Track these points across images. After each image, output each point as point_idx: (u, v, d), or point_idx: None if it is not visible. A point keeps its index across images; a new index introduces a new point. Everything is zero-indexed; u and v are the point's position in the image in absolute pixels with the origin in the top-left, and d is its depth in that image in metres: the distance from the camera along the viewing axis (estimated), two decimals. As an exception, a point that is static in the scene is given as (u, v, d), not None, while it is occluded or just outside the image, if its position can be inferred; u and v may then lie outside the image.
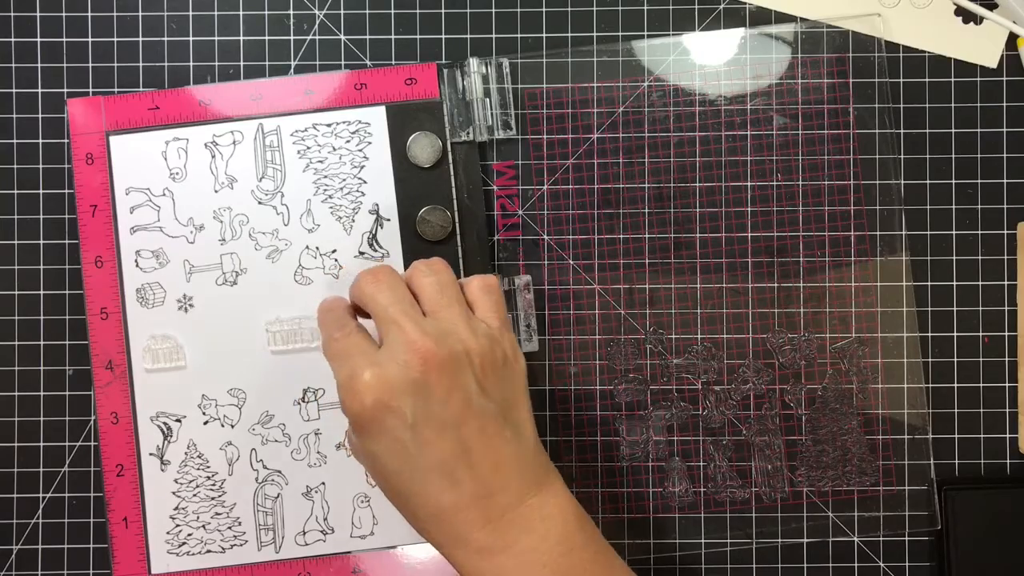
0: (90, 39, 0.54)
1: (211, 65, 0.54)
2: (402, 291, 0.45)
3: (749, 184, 0.53)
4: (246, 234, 0.53)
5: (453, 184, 0.53)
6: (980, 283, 0.54)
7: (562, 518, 0.44)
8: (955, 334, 0.54)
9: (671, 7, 0.54)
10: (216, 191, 0.53)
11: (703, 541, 0.54)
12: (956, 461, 0.54)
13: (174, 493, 0.53)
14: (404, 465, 0.43)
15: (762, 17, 0.54)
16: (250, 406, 0.53)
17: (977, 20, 0.54)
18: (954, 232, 0.54)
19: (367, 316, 0.46)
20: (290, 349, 0.53)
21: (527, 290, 0.53)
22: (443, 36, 0.54)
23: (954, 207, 0.54)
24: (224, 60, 0.54)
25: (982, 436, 0.54)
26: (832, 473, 0.53)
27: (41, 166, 0.54)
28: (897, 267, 0.53)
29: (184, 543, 0.53)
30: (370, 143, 0.53)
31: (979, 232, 0.54)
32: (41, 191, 0.54)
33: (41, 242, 0.54)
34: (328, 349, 0.45)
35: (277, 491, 0.53)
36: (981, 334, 0.54)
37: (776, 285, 0.53)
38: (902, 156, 0.54)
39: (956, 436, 0.54)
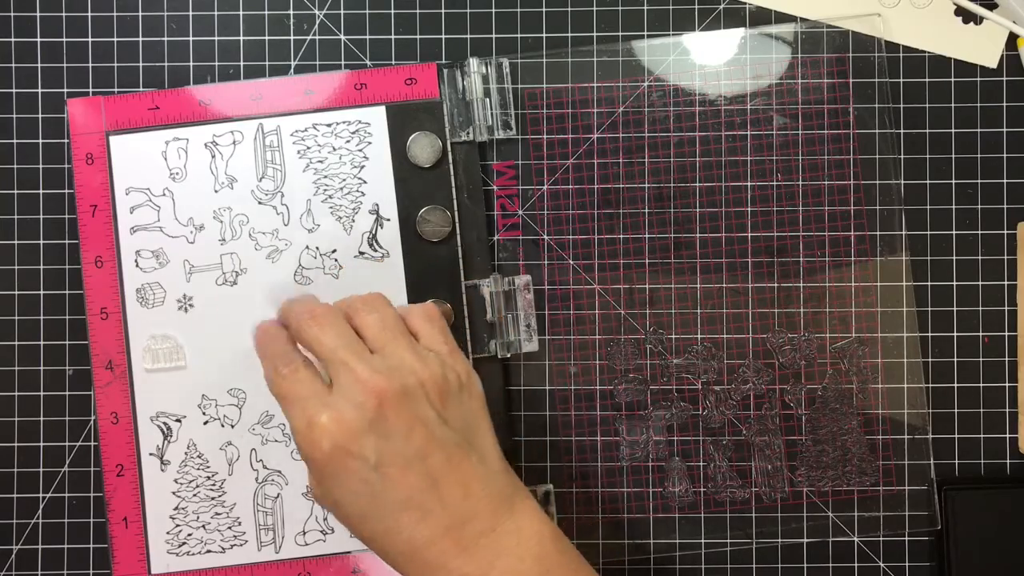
0: (90, 39, 0.54)
1: (211, 65, 0.54)
2: (345, 329, 0.45)
3: (749, 184, 0.53)
4: (246, 234, 0.53)
5: (453, 184, 0.53)
6: (980, 283, 0.54)
7: (537, 539, 0.43)
8: (955, 334, 0.54)
9: (671, 7, 0.54)
10: (216, 191, 0.53)
11: (703, 541, 0.54)
12: (956, 461, 0.54)
13: (174, 493, 0.53)
14: (371, 507, 0.42)
15: (762, 17, 0.54)
16: (250, 406, 0.53)
17: (977, 20, 0.54)
18: (954, 232, 0.54)
19: None
20: None
21: (527, 290, 0.53)
22: (443, 36, 0.54)
23: (954, 207, 0.54)
24: (224, 60, 0.54)
25: (982, 436, 0.54)
26: (832, 473, 0.53)
27: (41, 166, 0.54)
28: (897, 267, 0.53)
29: (184, 543, 0.53)
30: (370, 143, 0.53)
31: (979, 232, 0.54)
32: (41, 191, 0.54)
33: (41, 242, 0.54)
34: (275, 386, 0.45)
35: (277, 491, 0.53)
36: (981, 334, 0.54)
37: (776, 285, 0.53)
38: (902, 156, 0.54)
39: (956, 436, 0.54)
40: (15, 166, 0.54)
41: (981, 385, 0.54)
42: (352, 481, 0.42)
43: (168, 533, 0.53)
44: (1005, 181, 0.54)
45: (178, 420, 0.53)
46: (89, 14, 0.54)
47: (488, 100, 0.53)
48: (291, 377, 0.44)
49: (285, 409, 0.44)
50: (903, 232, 0.53)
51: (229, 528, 0.53)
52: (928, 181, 0.54)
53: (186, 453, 0.53)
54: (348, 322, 0.45)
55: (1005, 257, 0.54)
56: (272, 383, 0.45)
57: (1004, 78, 0.54)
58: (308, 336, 0.45)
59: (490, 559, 0.42)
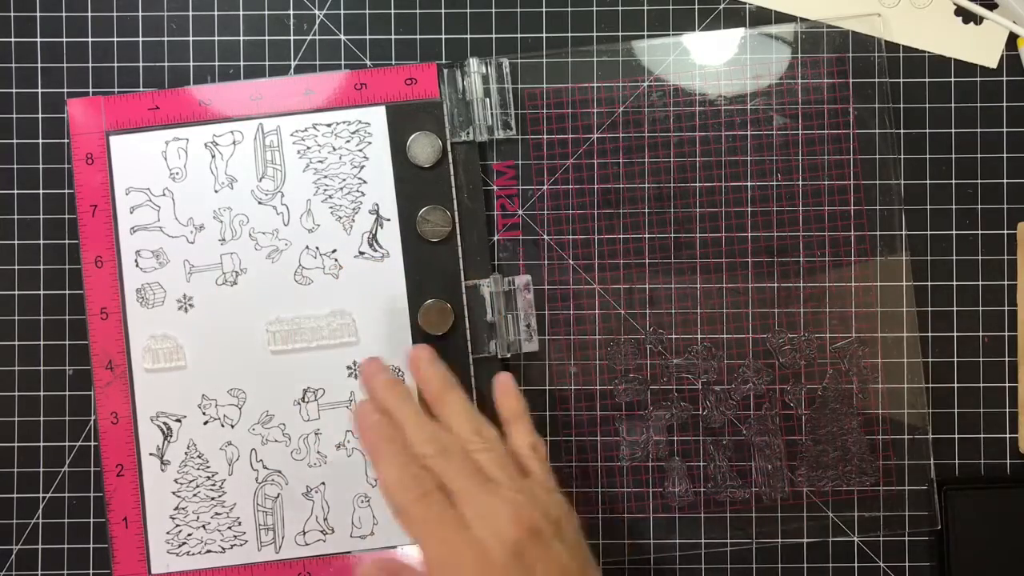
0: (90, 39, 0.54)
1: (211, 65, 0.54)
2: (470, 465, 0.46)
3: (749, 184, 0.53)
4: (246, 234, 0.53)
5: (453, 184, 0.53)
6: (980, 283, 0.54)
7: None
8: (955, 334, 0.54)
9: (671, 7, 0.54)
10: (216, 191, 0.53)
11: (703, 541, 0.54)
12: (956, 461, 0.54)
13: (174, 493, 0.53)
14: None
15: (762, 17, 0.54)
16: (250, 406, 0.53)
17: (977, 20, 0.54)
18: (954, 232, 0.54)
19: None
20: (290, 349, 0.53)
21: (527, 290, 0.53)
22: (443, 36, 0.54)
23: (954, 207, 0.54)
24: (224, 60, 0.54)
25: (982, 436, 0.54)
26: (832, 473, 0.53)
27: (41, 166, 0.54)
28: (897, 267, 0.53)
29: (184, 543, 0.53)
30: (370, 143, 0.53)
31: (979, 232, 0.54)
32: (41, 191, 0.54)
33: (41, 242, 0.54)
34: (407, 515, 0.45)
35: (277, 491, 0.53)
36: (981, 334, 0.54)
37: (776, 285, 0.53)
38: (902, 156, 0.54)
39: (956, 436, 0.54)
40: (15, 166, 0.54)
41: (981, 385, 0.54)
42: None
43: (168, 533, 0.53)
44: (1005, 181, 0.54)
45: (178, 420, 0.53)
46: (89, 14, 0.54)
47: (488, 100, 0.53)
48: (427, 510, 0.45)
49: (415, 532, 0.45)
50: (903, 232, 0.53)
51: (229, 528, 0.53)
52: (928, 181, 0.54)
53: (186, 453, 0.53)
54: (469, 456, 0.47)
55: (1005, 257, 0.54)
56: (402, 511, 0.45)
57: (1004, 78, 0.54)
58: (437, 467, 0.46)
59: None
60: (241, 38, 0.54)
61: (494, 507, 0.44)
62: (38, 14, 0.54)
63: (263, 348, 0.53)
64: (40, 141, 0.54)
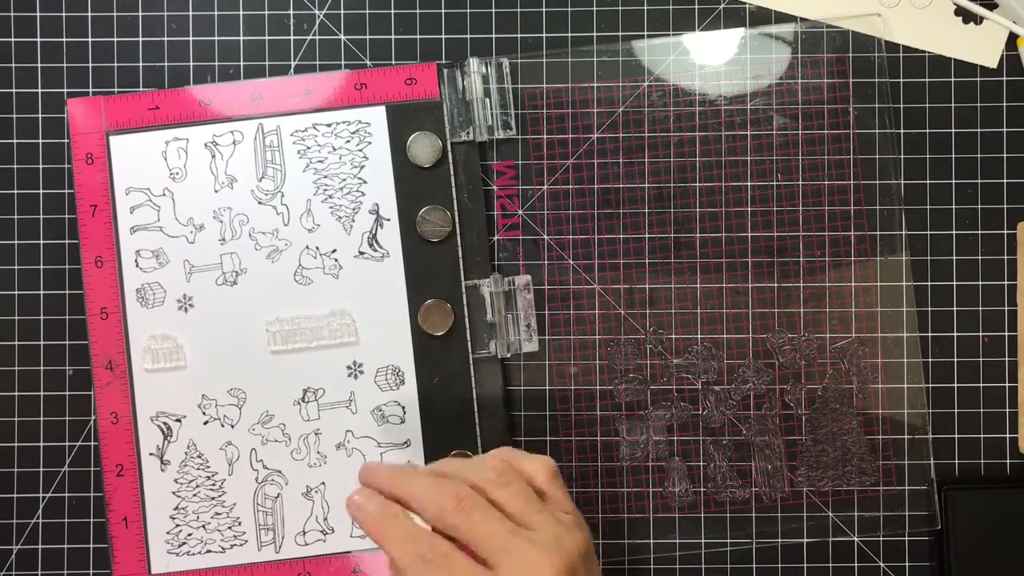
0: (90, 39, 0.54)
1: (211, 65, 0.54)
2: (493, 512, 0.43)
3: (749, 184, 0.53)
4: (246, 234, 0.53)
5: (453, 184, 0.53)
6: (980, 283, 0.54)
7: None
8: (955, 334, 0.54)
9: (671, 7, 0.54)
10: (216, 191, 0.53)
11: (703, 541, 0.54)
12: (956, 461, 0.54)
13: (174, 493, 0.53)
14: None
15: (762, 17, 0.54)
16: (250, 406, 0.53)
17: (977, 20, 0.54)
18: (954, 232, 0.54)
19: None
20: (290, 349, 0.53)
21: (527, 290, 0.53)
22: (443, 36, 0.54)
23: (954, 207, 0.54)
24: (224, 60, 0.54)
25: (982, 436, 0.54)
26: (832, 473, 0.53)
27: (41, 166, 0.54)
28: (897, 267, 0.53)
29: (184, 543, 0.53)
30: (370, 143, 0.53)
31: (979, 232, 0.54)
32: (41, 191, 0.54)
33: (41, 242, 0.54)
34: (420, 574, 0.42)
35: (277, 491, 0.53)
36: (981, 334, 0.54)
37: (776, 285, 0.53)
38: (902, 156, 0.54)
39: (956, 436, 0.54)
40: (15, 166, 0.54)
41: (981, 385, 0.54)
42: None
43: (168, 533, 0.53)
44: (1005, 181, 0.54)
45: (178, 420, 0.53)
46: (89, 14, 0.54)
47: (488, 100, 0.53)
48: (446, 567, 0.42)
49: None
50: (903, 232, 0.53)
51: (229, 528, 0.53)
52: (928, 181, 0.54)
53: (186, 453, 0.53)
54: (485, 498, 0.44)
55: (1005, 257, 0.54)
56: (413, 570, 0.42)
57: (1004, 78, 0.54)
58: (456, 523, 0.42)
59: None
60: (241, 38, 0.54)
61: (529, 558, 0.41)
62: (38, 14, 0.54)
63: (263, 348, 0.53)
64: (40, 141, 0.54)
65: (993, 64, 0.54)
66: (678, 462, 0.54)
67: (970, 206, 0.54)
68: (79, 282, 0.53)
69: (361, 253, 0.53)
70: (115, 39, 0.54)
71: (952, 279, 0.54)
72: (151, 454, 0.53)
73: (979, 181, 0.54)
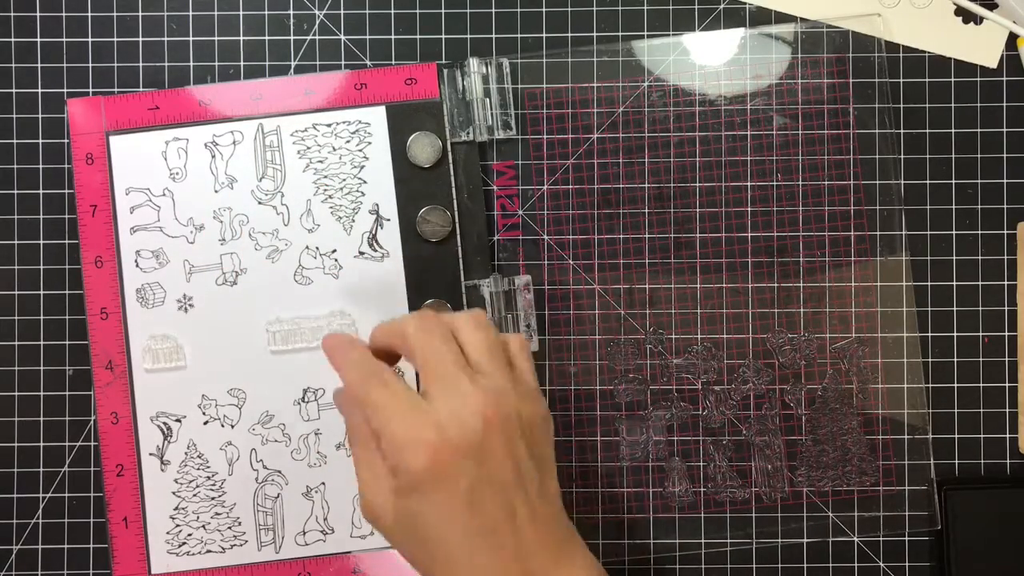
0: (90, 39, 0.54)
1: (211, 65, 0.54)
2: (453, 344, 0.44)
3: (749, 184, 0.53)
4: (246, 234, 0.53)
5: (453, 184, 0.53)
6: (980, 283, 0.54)
7: None
8: (955, 334, 0.54)
9: (671, 7, 0.54)
10: (216, 191, 0.53)
11: (703, 541, 0.54)
12: (956, 461, 0.54)
13: (174, 493, 0.53)
14: (451, 529, 0.41)
15: (762, 17, 0.54)
16: (250, 406, 0.53)
17: (977, 20, 0.54)
18: (954, 232, 0.54)
19: (387, 360, 0.45)
20: (290, 349, 0.53)
21: (527, 290, 0.53)
22: (443, 36, 0.54)
23: (954, 207, 0.54)
24: (224, 60, 0.54)
25: (982, 436, 0.54)
26: (832, 473, 0.53)
27: (41, 166, 0.54)
28: (897, 267, 0.53)
29: (184, 543, 0.53)
30: (370, 143, 0.53)
31: (979, 232, 0.54)
32: (41, 191, 0.54)
33: (41, 242, 0.54)
34: (363, 396, 0.43)
35: (277, 491, 0.53)
36: (981, 334, 0.54)
37: (776, 285, 0.53)
38: (902, 156, 0.54)
39: (956, 436, 0.54)
40: (15, 166, 0.54)
41: (981, 385, 0.54)
42: (441, 499, 0.41)
43: (168, 533, 0.53)
44: (1005, 181, 0.54)
45: (178, 420, 0.53)
46: (89, 14, 0.54)
47: (488, 100, 0.53)
48: (387, 390, 0.42)
49: (378, 419, 0.42)
50: (903, 232, 0.53)
51: (229, 528, 0.53)
52: (928, 181, 0.54)
53: (186, 453, 0.53)
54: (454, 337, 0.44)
55: (1005, 257, 0.54)
56: (360, 390, 0.43)
57: (1004, 78, 0.54)
58: (414, 344, 0.43)
59: None
60: (241, 38, 0.54)
61: (466, 393, 0.42)
62: (38, 14, 0.54)
63: (263, 348, 0.53)
64: (40, 141, 0.54)
65: (993, 64, 0.54)
66: (678, 462, 0.54)
67: (970, 206, 0.54)
68: (79, 282, 0.53)
69: (361, 253, 0.53)
70: (115, 39, 0.54)
71: (952, 279, 0.54)
72: (151, 454, 0.53)
73: (979, 181, 0.54)
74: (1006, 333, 0.54)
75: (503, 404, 0.42)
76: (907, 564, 0.53)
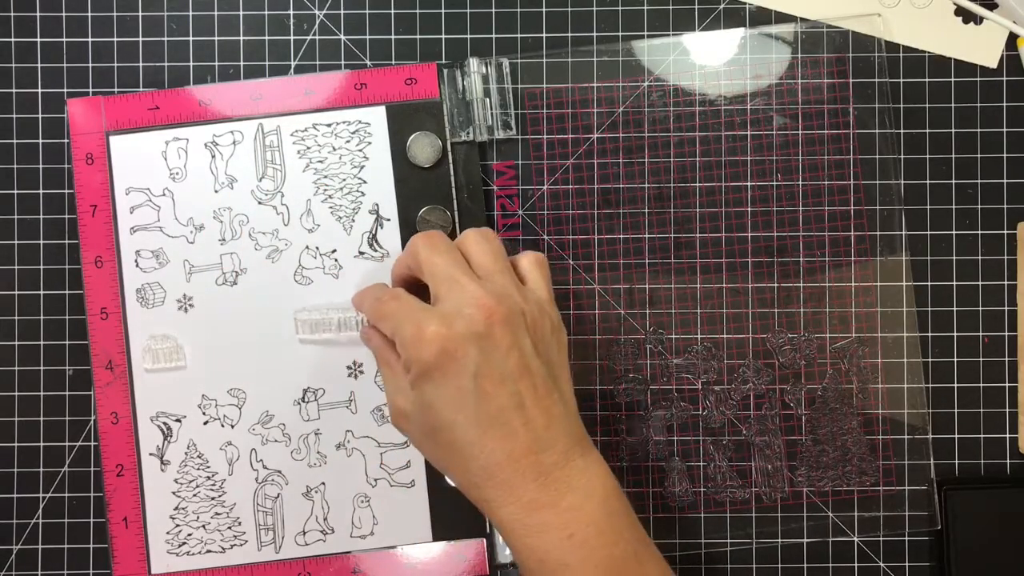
0: (90, 39, 0.54)
1: (211, 65, 0.54)
2: (457, 254, 0.47)
3: (749, 184, 0.53)
4: (246, 234, 0.53)
5: (453, 184, 0.53)
6: (980, 283, 0.54)
7: (602, 482, 0.45)
8: (955, 334, 0.54)
9: (671, 7, 0.54)
10: (216, 191, 0.53)
11: (703, 541, 0.54)
12: (956, 461, 0.54)
13: (174, 493, 0.53)
14: (462, 414, 0.44)
15: (762, 17, 0.54)
16: (250, 406, 0.53)
17: (977, 20, 0.54)
18: (954, 232, 0.54)
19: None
20: (318, 339, 0.53)
21: (527, 290, 0.53)
22: (443, 36, 0.54)
23: (954, 207, 0.54)
24: (224, 60, 0.54)
25: (982, 436, 0.54)
26: (832, 473, 0.53)
27: (41, 166, 0.54)
28: (897, 267, 0.53)
29: (184, 543, 0.53)
30: (370, 143, 0.53)
31: (979, 232, 0.54)
32: (41, 191, 0.54)
33: (41, 242, 0.54)
34: (379, 311, 0.46)
35: (277, 491, 0.53)
36: (981, 334, 0.54)
37: (776, 285, 0.53)
38: (902, 156, 0.54)
39: (956, 436, 0.54)
40: (15, 166, 0.54)
41: (981, 385, 0.54)
42: (451, 385, 0.44)
43: (168, 533, 0.53)
44: (1005, 181, 0.54)
45: (178, 420, 0.53)
46: (89, 14, 0.54)
47: (488, 100, 0.53)
48: (396, 300, 0.46)
49: (389, 326, 0.46)
50: (903, 232, 0.53)
51: (229, 528, 0.53)
52: (928, 181, 0.54)
53: (186, 453, 0.53)
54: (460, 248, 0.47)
55: (1005, 257, 0.54)
56: (375, 311, 0.47)
57: (1004, 78, 0.54)
58: (420, 256, 0.46)
59: (561, 490, 0.44)
60: (241, 38, 0.54)
61: (471, 291, 0.44)
62: (38, 14, 0.54)
63: (263, 348, 0.53)
64: (40, 141, 0.54)
65: (993, 64, 0.54)
66: (678, 462, 0.54)
67: (970, 206, 0.54)
68: (79, 282, 0.53)
69: (361, 253, 0.53)
70: (115, 39, 0.54)
71: (952, 279, 0.54)
72: (151, 454, 0.53)
73: (979, 181, 0.54)
74: (1006, 333, 0.54)
75: (506, 300, 0.45)
76: (907, 564, 0.53)
